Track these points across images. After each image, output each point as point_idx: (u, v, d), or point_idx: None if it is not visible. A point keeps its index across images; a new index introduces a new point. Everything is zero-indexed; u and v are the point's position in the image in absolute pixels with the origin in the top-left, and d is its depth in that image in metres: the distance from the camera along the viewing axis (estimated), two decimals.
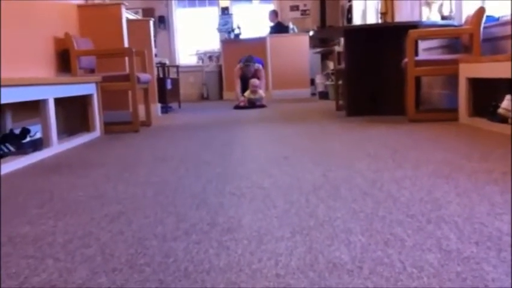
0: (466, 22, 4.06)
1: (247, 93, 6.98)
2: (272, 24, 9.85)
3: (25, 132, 2.84)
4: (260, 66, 7.39)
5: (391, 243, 1.18)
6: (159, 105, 6.21)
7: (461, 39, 4.12)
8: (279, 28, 9.71)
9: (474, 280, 0.95)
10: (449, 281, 0.95)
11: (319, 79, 8.70)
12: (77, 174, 2.32)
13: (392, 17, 6.45)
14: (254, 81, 6.99)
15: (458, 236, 1.20)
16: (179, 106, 7.80)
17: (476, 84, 3.52)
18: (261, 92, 7.04)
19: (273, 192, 1.76)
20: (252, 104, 6.83)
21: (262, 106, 6.82)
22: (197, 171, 2.25)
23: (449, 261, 1.05)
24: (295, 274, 1.02)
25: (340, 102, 5.50)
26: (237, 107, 6.81)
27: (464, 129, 3.29)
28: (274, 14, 9.97)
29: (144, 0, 10.68)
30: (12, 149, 2.72)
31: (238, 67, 7.42)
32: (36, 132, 2.92)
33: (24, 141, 2.79)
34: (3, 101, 2.54)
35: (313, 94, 9.15)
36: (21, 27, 3.60)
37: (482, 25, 3.75)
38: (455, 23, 4.49)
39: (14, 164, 2.55)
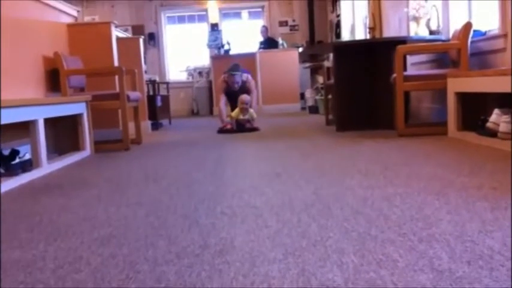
0: (453, 37, 4.11)
1: (234, 113, 5.45)
2: (262, 39, 9.92)
3: (14, 153, 2.82)
4: (249, 77, 5.97)
5: (383, 263, 1.18)
6: (149, 122, 6.20)
7: (449, 54, 4.16)
8: (270, 43, 9.78)
9: None
10: None
11: (308, 93, 8.74)
12: (67, 196, 2.30)
13: (381, 31, 6.51)
14: (244, 97, 5.45)
15: (450, 255, 1.20)
16: (169, 122, 7.79)
17: (464, 98, 3.55)
18: (252, 112, 5.51)
19: (265, 211, 1.75)
20: (241, 127, 5.35)
21: (254, 129, 5.31)
22: (188, 190, 2.25)
23: (442, 281, 1.05)
24: None
25: (330, 116, 5.53)
26: (221, 131, 5.32)
27: (454, 143, 3.32)
28: (265, 29, 10.07)
29: (133, 17, 10.71)
30: (1, 170, 2.69)
31: (222, 79, 5.94)
32: (25, 153, 2.90)
33: (13, 162, 2.77)
34: None
35: (303, 108, 9.18)
36: (11, 46, 3.59)
37: (470, 40, 3.79)
38: (443, 37, 4.54)
39: (3, 186, 2.53)
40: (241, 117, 5.40)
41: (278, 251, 1.31)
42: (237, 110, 5.46)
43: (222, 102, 5.92)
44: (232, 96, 5.88)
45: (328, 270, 1.15)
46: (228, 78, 5.85)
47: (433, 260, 1.18)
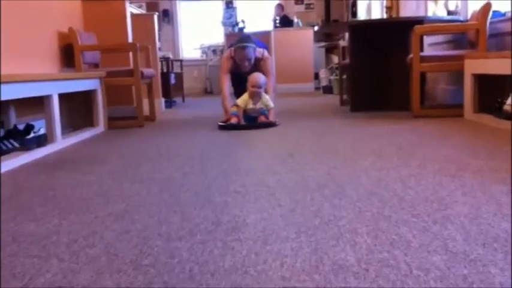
0: (472, 17, 4.03)
1: (241, 100, 3.84)
2: (277, 17, 9.82)
3: (29, 128, 2.84)
4: (265, 53, 4.18)
5: (396, 244, 1.17)
6: (163, 100, 6.20)
7: (467, 35, 4.09)
8: (285, 21, 9.68)
9: (481, 284, 0.94)
10: (456, 285, 0.94)
11: (323, 73, 8.67)
12: (81, 171, 2.32)
13: (398, 11, 6.41)
14: (256, 77, 3.82)
15: (464, 237, 1.19)
16: (183, 100, 7.80)
17: (482, 80, 3.50)
18: (268, 99, 3.87)
19: (278, 190, 1.75)
20: (251, 120, 3.84)
21: (270, 124, 3.74)
22: (202, 167, 2.25)
23: (456, 263, 1.04)
24: (300, 276, 1.01)
25: (345, 97, 5.49)
26: (224, 127, 3.74)
27: (470, 125, 3.28)
28: (280, 7, 9.94)
29: None
30: (16, 145, 2.71)
31: (228, 54, 4.19)
32: (40, 128, 2.92)
33: (28, 137, 2.79)
34: (7, 97, 2.54)
35: (317, 88, 9.12)
36: (26, 21, 3.59)
37: (489, 20, 3.72)
38: (461, 18, 4.46)
39: (18, 160, 2.55)
40: (250, 106, 3.81)
41: (291, 230, 1.31)
42: (245, 96, 3.83)
43: (226, 85, 4.16)
44: (240, 78, 4.12)
45: (341, 250, 1.15)
46: (235, 53, 4.08)
47: (447, 242, 1.17)
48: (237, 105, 3.84)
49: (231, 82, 4.25)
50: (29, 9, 3.65)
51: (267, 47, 4.44)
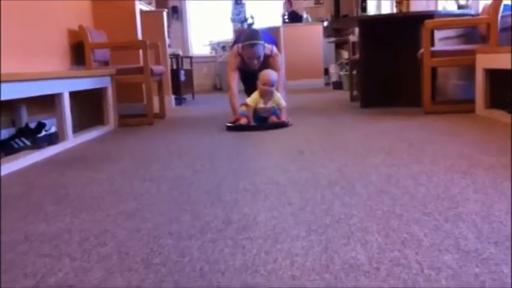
0: (483, 11, 3.99)
1: (251, 100, 3.59)
2: (286, 13, 9.78)
3: (40, 126, 2.86)
4: (274, 49, 3.93)
5: (408, 243, 1.16)
6: (173, 97, 6.21)
7: (478, 29, 4.05)
8: (293, 17, 9.65)
9: (493, 283, 0.93)
10: (468, 284, 0.93)
11: (333, 69, 8.63)
12: (92, 169, 2.33)
13: (408, 6, 6.36)
14: (268, 74, 3.57)
15: (476, 236, 1.18)
16: (193, 97, 7.80)
17: (493, 75, 3.47)
18: (279, 97, 3.63)
19: (288, 188, 1.75)
20: (261, 121, 3.58)
21: (282, 125, 3.49)
22: (212, 166, 2.25)
23: (468, 262, 1.03)
24: (311, 276, 1.01)
25: (355, 93, 5.46)
26: (232, 128, 3.50)
27: (481, 121, 3.25)
28: (288, 2, 9.90)
29: None
30: (27, 143, 2.73)
31: (235, 51, 3.91)
32: (51, 127, 2.94)
33: (39, 135, 2.81)
34: (18, 96, 2.56)
35: (326, 84, 9.09)
36: (36, 20, 3.61)
37: (500, 14, 3.68)
38: (472, 12, 4.42)
39: (29, 159, 2.57)
40: (261, 105, 3.57)
41: (301, 228, 1.30)
42: (255, 95, 3.60)
43: (234, 83, 3.91)
44: (249, 75, 3.94)
45: (352, 249, 1.14)
46: (243, 52, 3.81)
47: (458, 240, 1.16)
48: (246, 105, 3.58)
49: (240, 79, 4.07)
50: (39, 8, 3.67)
51: (276, 41, 4.23)
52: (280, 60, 3.94)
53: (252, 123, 3.53)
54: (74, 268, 1.12)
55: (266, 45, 3.83)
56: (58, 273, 1.10)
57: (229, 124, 3.53)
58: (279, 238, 1.24)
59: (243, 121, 3.50)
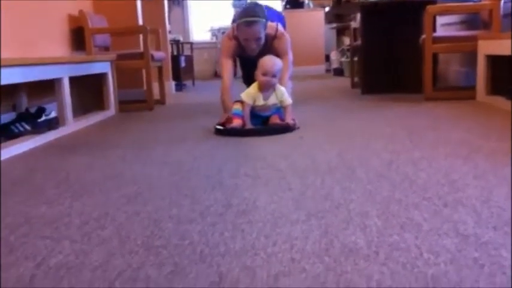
0: None
1: (248, 96, 2.74)
2: None
3: (41, 111, 2.85)
4: (280, 27, 3.15)
5: (407, 227, 1.17)
6: (173, 83, 6.20)
7: (481, 15, 4.03)
8: (294, 3, 9.58)
9: (492, 267, 0.94)
10: (467, 268, 0.94)
11: (334, 55, 8.60)
12: (93, 154, 2.33)
13: None
14: (269, 61, 2.73)
15: (475, 220, 1.19)
16: (193, 84, 7.79)
17: (495, 61, 3.45)
18: (283, 91, 2.79)
19: (289, 174, 1.75)
20: (261, 123, 2.82)
21: (286, 129, 2.69)
22: (212, 151, 2.25)
23: (467, 246, 1.04)
24: (310, 259, 1.01)
25: (356, 79, 5.44)
26: (222, 131, 2.70)
27: (482, 108, 3.24)
28: None
29: None
30: (28, 128, 2.73)
31: (230, 32, 3.10)
32: (51, 111, 2.93)
33: (39, 120, 2.80)
34: (19, 81, 2.55)
35: (327, 70, 9.06)
36: (36, 5, 3.58)
37: (503, 0, 3.66)
38: None
39: (30, 143, 2.57)
40: (260, 102, 2.74)
41: (301, 213, 1.31)
42: (252, 89, 2.76)
43: (228, 73, 3.10)
44: (249, 61, 3.15)
45: (351, 233, 1.15)
46: (238, 32, 2.97)
47: (458, 225, 1.16)
48: (241, 102, 2.77)
49: (235, 67, 3.33)
50: None
51: (283, 18, 3.48)
52: (287, 42, 3.15)
53: (248, 125, 2.74)
54: (74, 250, 1.12)
55: (269, 23, 3.04)
56: (58, 255, 1.10)
57: (218, 127, 2.76)
58: (279, 222, 1.25)
59: (236, 123, 2.72)
